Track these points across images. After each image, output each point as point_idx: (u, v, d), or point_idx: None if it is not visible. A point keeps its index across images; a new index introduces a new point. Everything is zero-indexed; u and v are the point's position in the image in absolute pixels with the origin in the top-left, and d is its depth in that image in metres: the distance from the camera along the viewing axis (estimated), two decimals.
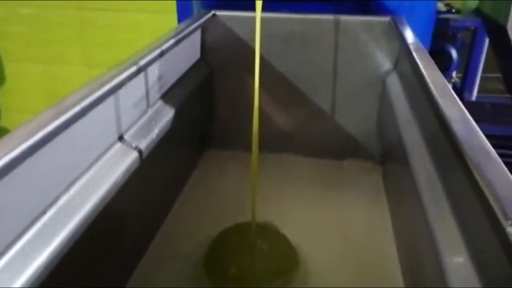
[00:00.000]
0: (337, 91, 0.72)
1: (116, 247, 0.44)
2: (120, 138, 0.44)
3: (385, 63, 0.68)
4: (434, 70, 0.48)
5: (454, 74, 2.21)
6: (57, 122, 0.33)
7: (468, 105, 0.45)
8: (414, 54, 0.52)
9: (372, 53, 0.68)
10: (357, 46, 0.68)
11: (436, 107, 0.38)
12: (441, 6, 1.98)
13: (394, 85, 0.65)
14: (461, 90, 2.01)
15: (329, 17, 0.68)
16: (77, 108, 0.35)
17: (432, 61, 0.52)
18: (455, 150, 0.31)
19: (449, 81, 2.17)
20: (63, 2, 1.51)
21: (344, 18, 0.67)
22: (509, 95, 1.00)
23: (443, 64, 1.78)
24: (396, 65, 0.67)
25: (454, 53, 1.77)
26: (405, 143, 0.50)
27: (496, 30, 0.96)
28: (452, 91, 0.42)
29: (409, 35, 0.59)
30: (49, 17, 1.54)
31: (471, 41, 1.90)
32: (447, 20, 1.75)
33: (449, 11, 1.90)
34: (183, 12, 1.39)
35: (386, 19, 0.66)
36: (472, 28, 1.84)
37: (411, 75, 0.53)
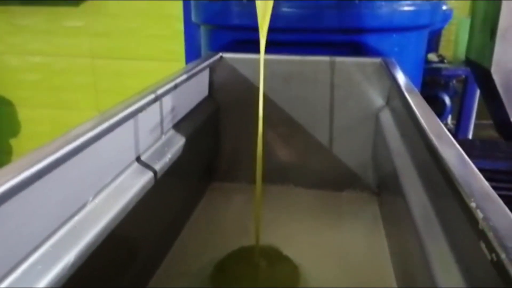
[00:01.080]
0: (334, 125, 0.77)
1: (128, 265, 0.47)
2: (138, 158, 0.49)
3: (378, 100, 0.74)
4: (423, 104, 0.52)
5: (449, 120, 2.29)
6: (83, 139, 0.36)
7: (458, 142, 0.48)
8: (404, 90, 0.57)
9: (365, 91, 0.74)
10: (351, 84, 0.74)
11: (426, 139, 0.41)
12: (433, 57, 2.09)
13: (387, 120, 0.70)
14: (455, 136, 2.08)
15: (325, 58, 0.74)
16: (102, 127, 0.40)
17: (420, 96, 0.56)
18: (446, 179, 0.33)
19: (444, 126, 2.24)
20: (77, 51, 1.62)
21: (339, 59, 0.74)
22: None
23: (437, 110, 1.85)
24: (388, 102, 0.73)
25: (447, 99, 1.85)
26: (398, 174, 0.53)
27: (482, 74, 1.03)
28: (440, 123, 0.45)
29: (399, 74, 0.65)
30: (63, 65, 1.64)
31: (463, 89, 1.99)
32: (439, 69, 1.84)
33: (441, 61, 2.00)
34: (191, 60, 1.48)
35: (377, 60, 0.73)
36: (463, 76, 1.94)
37: (402, 110, 0.58)
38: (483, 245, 0.24)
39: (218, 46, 0.89)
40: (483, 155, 0.90)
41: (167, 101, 0.55)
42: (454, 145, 0.38)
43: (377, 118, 0.74)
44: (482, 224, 0.25)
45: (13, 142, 1.77)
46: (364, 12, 0.78)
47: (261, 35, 0.53)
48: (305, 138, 0.79)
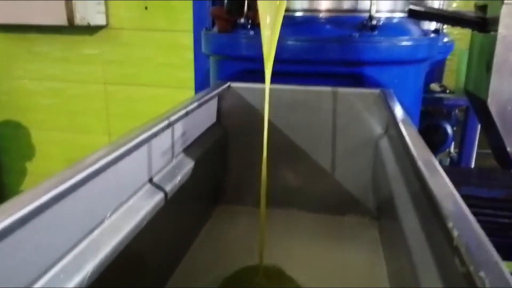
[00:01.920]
0: (336, 151, 0.81)
1: (139, 279, 0.50)
2: (150, 180, 0.53)
3: (377, 128, 0.78)
4: (415, 134, 0.55)
5: (452, 148, 2.31)
6: (102, 162, 0.40)
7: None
8: (399, 121, 0.61)
9: (365, 120, 0.78)
10: (352, 113, 0.78)
11: (415, 167, 0.44)
12: (435, 87, 2.14)
13: (385, 147, 0.74)
14: (458, 164, 2.10)
15: (328, 89, 0.79)
16: (120, 151, 0.44)
17: (414, 127, 0.60)
18: (430, 203, 0.37)
19: (447, 155, 2.26)
20: (91, 78, 1.68)
21: (340, 90, 0.78)
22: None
23: (440, 139, 1.88)
24: (386, 130, 0.77)
25: (449, 129, 1.88)
26: (394, 199, 0.56)
27: (479, 105, 1.07)
28: (430, 152, 0.48)
29: (395, 105, 0.69)
30: (77, 90, 1.71)
31: (465, 118, 2.02)
32: (441, 99, 1.88)
33: (443, 91, 2.04)
34: (201, 88, 1.53)
35: (376, 91, 0.77)
36: (465, 106, 1.98)
37: (397, 139, 0.62)
38: (456, 260, 0.27)
39: (226, 75, 0.94)
40: (481, 183, 0.93)
41: (179, 127, 0.60)
42: (439, 172, 0.42)
43: (376, 146, 0.78)
44: (456, 241, 0.28)
45: (28, 163, 1.83)
46: (364, 46, 0.83)
47: (266, 68, 0.57)
48: (308, 163, 0.83)
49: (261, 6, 0.56)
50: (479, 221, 0.34)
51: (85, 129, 1.75)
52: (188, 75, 1.52)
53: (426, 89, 2.00)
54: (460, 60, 2.18)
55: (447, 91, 2.01)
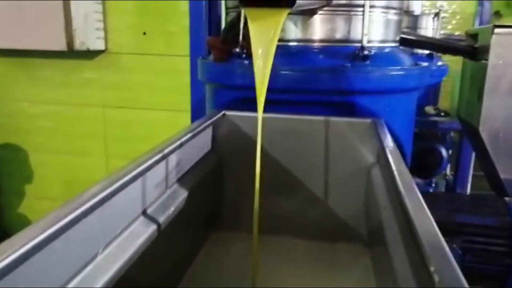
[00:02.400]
0: (329, 179, 0.82)
1: None
2: (144, 212, 0.54)
3: (369, 157, 0.79)
4: (403, 170, 0.56)
5: (448, 171, 2.32)
6: (97, 198, 0.42)
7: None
8: (387, 151, 0.63)
9: (357, 149, 0.79)
10: (344, 142, 0.80)
11: (400, 200, 0.47)
12: (430, 109, 2.16)
13: (377, 176, 0.75)
14: (454, 186, 2.11)
15: (320, 118, 0.80)
16: (114, 186, 0.45)
17: (402, 161, 0.61)
18: (416, 244, 0.38)
19: (443, 178, 2.28)
20: (89, 101, 1.70)
21: (333, 119, 0.80)
22: None
23: (435, 162, 1.90)
24: (378, 159, 0.78)
25: (444, 152, 1.89)
26: (385, 229, 0.57)
27: (472, 132, 1.09)
28: (415, 187, 0.50)
29: (385, 136, 0.71)
30: (76, 113, 1.73)
31: (459, 141, 2.04)
32: (436, 122, 1.91)
33: (437, 114, 2.06)
34: (197, 110, 1.55)
35: (367, 120, 0.78)
36: (460, 129, 2.00)
37: (385, 169, 0.63)
38: None
39: (222, 103, 0.96)
40: (475, 210, 0.93)
41: (173, 159, 0.61)
42: (422, 206, 0.44)
43: (368, 174, 0.79)
44: (437, 285, 0.29)
45: (26, 186, 1.84)
46: (356, 76, 0.85)
47: (258, 101, 0.59)
48: (301, 191, 0.84)
49: (254, 39, 0.58)
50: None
51: (83, 152, 1.76)
52: (185, 98, 1.54)
53: (421, 112, 2.02)
54: (454, 83, 2.22)
55: (442, 113, 2.04)
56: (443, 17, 1.97)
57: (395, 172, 0.55)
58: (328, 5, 0.85)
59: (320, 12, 0.86)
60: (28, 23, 1.46)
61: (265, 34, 0.55)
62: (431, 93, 2.23)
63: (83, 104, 1.72)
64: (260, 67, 0.55)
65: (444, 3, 2.94)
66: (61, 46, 1.44)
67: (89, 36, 1.54)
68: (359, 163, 0.80)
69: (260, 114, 0.58)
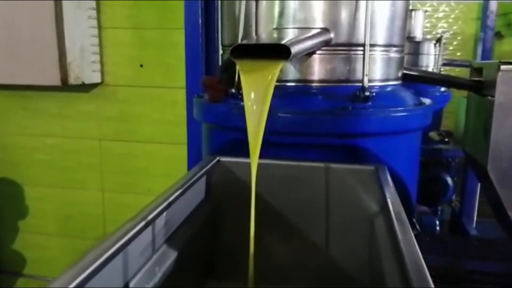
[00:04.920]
0: (330, 228, 0.77)
1: None
2: (126, 285, 0.49)
3: (372, 206, 0.75)
4: (403, 218, 0.55)
5: (453, 197, 2.26)
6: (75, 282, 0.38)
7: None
8: (388, 201, 0.60)
9: (360, 197, 0.75)
10: (346, 189, 0.75)
11: (398, 253, 0.46)
12: (434, 135, 2.12)
13: (380, 226, 0.70)
14: (460, 214, 2.06)
15: (320, 164, 0.76)
16: (92, 267, 0.41)
17: (403, 212, 0.58)
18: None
19: (449, 205, 2.22)
20: (85, 134, 1.68)
21: (333, 165, 0.76)
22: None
23: (440, 191, 1.85)
24: (382, 209, 0.74)
25: (449, 180, 1.84)
26: (387, 282, 0.53)
27: (479, 170, 1.04)
28: (413, 238, 0.49)
29: (388, 186, 0.67)
30: (72, 146, 1.70)
31: (465, 168, 1.99)
32: (441, 150, 1.86)
33: (442, 140, 2.02)
34: (193, 144, 1.52)
35: (371, 167, 0.74)
36: (463, 156, 1.95)
37: (389, 221, 0.59)
38: None
39: (218, 144, 0.92)
40: (483, 256, 0.88)
41: (160, 221, 0.57)
42: (421, 264, 0.43)
43: (371, 223, 0.74)
44: None
45: (21, 221, 1.80)
46: (357, 118, 0.81)
47: (252, 161, 0.55)
48: (301, 239, 0.79)
49: (246, 93, 0.54)
50: None
51: (79, 185, 1.72)
52: (183, 131, 1.51)
53: (425, 138, 1.98)
54: (459, 108, 2.19)
55: (446, 139, 2.00)
56: (444, 43, 1.94)
57: (395, 225, 0.53)
58: (327, 44, 0.82)
59: (319, 51, 0.83)
60: (22, 58, 1.44)
61: (258, 88, 0.51)
62: (434, 119, 2.19)
63: (79, 137, 1.69)
64: (253, 124, 0.51)
65: (445, 25, 2.93)
66: (55, 81, 1.42)
67: (85, 69, 1.52)
68: (362, 212, 0.75)
69: (253, 177, 0.54)
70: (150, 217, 0.52)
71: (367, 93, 0.82)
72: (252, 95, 0.52)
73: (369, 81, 0.83)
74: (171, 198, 0.58)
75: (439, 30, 2.86)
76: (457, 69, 2.37)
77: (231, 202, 0.80)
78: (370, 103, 0.82)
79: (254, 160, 0.54)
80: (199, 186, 0.75)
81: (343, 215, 0.76)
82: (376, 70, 0.88)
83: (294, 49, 0.57)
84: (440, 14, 2.93)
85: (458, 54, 2.86)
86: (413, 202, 0.94)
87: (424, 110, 0.88)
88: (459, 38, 2.94)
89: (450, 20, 2.94)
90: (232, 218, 0.80)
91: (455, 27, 2.96)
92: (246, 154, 0.77)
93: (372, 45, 0.83)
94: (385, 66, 0.89)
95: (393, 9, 0.88)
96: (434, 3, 2.88)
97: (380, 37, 0.87)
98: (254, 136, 0.52)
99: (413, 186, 0.93)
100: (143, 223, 0.50)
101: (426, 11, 2.28)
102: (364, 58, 0.82)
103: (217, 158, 0.80)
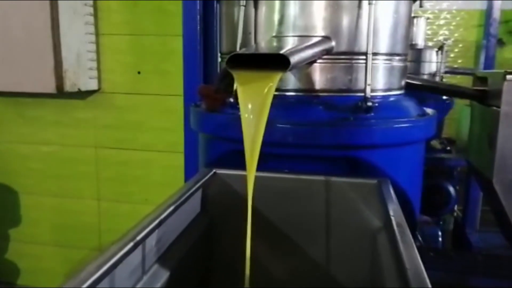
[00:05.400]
0: (330, 244, 0.74)
1: None
2: None
3: (375, 221, 0.71)
4: (406, 234, 0.52)
5: (455, 206, 2.23)
6: None
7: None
8: (392, 217, 0.58)
9: (362, 211, 0.72)
10: (347, 204, 0.72)
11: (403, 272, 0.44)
12: (436, 144, 2.09)
13: (383, 242, 0.67)
14: (463, 224, 2.02)
15: (320, 177, 0.73)
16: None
17: (405, 225, 0.56)
18: None
19: (451, 215, 2.18)
20: (81, 141, 1.65)
21: (334, 179, 0.73)
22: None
23: (442, 200, 1.81)
24: (385, 225, 0.70)
25: (451, 190, 1.81)
26: None
27: (484, 182, 1.01)
28: (420, 262, 0.47)
29: (391, 201, 0.64)
30: (67, 154, 1.67)
31: (467, 178, 1.96)
32: (443, 159, 1.83)
33: (444, 149, 1.99)
34: (190, 151, 1.49)
35: (373, 181, 0.71)
36: (467, 166, 1.92)
37: (392, 237, 0.57)
38: None
39: (215, 154, 0.90)
40: (489, 272, 0.85)
41: (151, 241, 0.54)
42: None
43: (374, 239, 0.71)
44: None
45: (13, 230, 1.76)
46: (359, 129, 0.78)
47: (248, 177, 0.52)
48: (300, 257, 0.76)
49: (242, 105, 0.52)
50: None
51: (74, 194, 1.69)
52: (179, 139, 1.48)
53: (427, 147, 1.95)
54: (461, 116, 2.16)
55: (448, 147, 1.97)
56: (446, 50, 1.92)
57: (399, 241, 0.51)
58: (328, 53, 0.79)
59: (319, 60, 0.80)
60: (16, 65, 1.42)
61: (255, 101, 0.49)
62: (436, 128, 2.17)
63: (75, 145, 1.67)
64: (249, 140, 0.48)
65: (447, 32, 2.91)
66: (51, 88, 1.39)
67: (81, 77, 1.49)
68: (364, 227, 0.72)
69: (250, 193, 0.51)
70: (139, 237, 0.49)
71: (370, 104, 0.79)
72: (249, 108, 0.50)
73: (372, 90, 0.81)
74: (163, 216, 0.56)
75: (441, 37, 2.84)
76: (458, 76, 2.35)
77: (228, 216, 0.77)
78: (372, 114, 0.80)
79: (251, 176, 0.51)
80: (195, 200, 0.72)
81: (344, 231, 0.73)
82: (379, 79, 0.85)
83: (294, 59, 0.54)
84: (442, 21, 2.92)
85: (459, 61, 2.85)
86: (416, 215, 0.91)
87: (428, 121, 0.86)
88: (460, 45, 2.93)
89: (451, 27, 2.92)
90: (228, 233, 0.77)
91: (456, 34, 2.95)
92: (245, 165, 0.75)
93: (374, 54, 0.80)
94: (388, 75, 0.86)
95: (396, 16, 0.85)
96: (436, 9, 2.86)
97: (383, 46, 0.84)
98: (250, 153, 0.49)
99: (416, 199, 0.90)
100: (131, 244, 0.47)
101: (428, 18, 2.26)
102: (366, 67, 0.79)
103: (214, 170, 0.77)
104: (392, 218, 0.59)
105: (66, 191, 1.70)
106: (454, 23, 2.84)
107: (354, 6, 0.80)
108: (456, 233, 2.06)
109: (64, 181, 1.70)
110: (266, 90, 0.49)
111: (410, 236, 0.53)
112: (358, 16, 0.80)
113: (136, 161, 1.62)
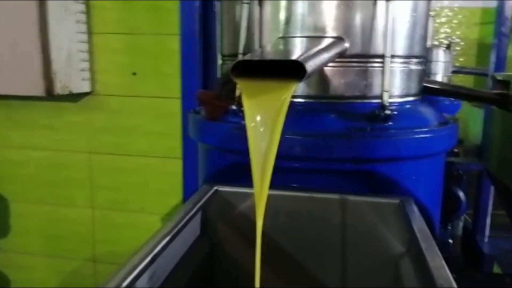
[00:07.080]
0: (347, 271, 0.67)
1: None
2: None
3: (397, 245, 0.64)
4: (437, 257, 0.47)
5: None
6: None
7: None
8: (419, 239, 0.52)
9: (382, 234, 0.65)
10: (365, 225, 0.65)
11: None
12: None
13: (407, 268, 0.60)
14: (473, 229, 1.96)
15: (336, 196, 0.66)
16: None
17: (435, 247, 0.50)
18: None
19: (460, 219, 2.12)
20: (74, 146, 1.57)
21: (351, 197, 0.65)
22: None
23: (453, 206, 1.75)
24: (409, 249, 0.63)
25: (462, 195, 1.74)
26: None
27: (505, 192, 0.94)
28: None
29: (416, 220, 0.57)
30: (60, 160, 1.59)
31: (478, 183, 1.90)
32: (453, 163, 1.76)
33: (452, 152, 1.92)
34: (189, 157, 1.42)
35: (395, 201, 0.64)
36: (477, 171, 1.86)
37: (419, 262, 0.51)
38: None
39: (216, 166, 0.82)
40: None
41: (144, 279, 0.46)
42: None
43: (396, 265, 0.64)
44: None
45: (2, 240, 1.69)
46: (376, 141, 0.71)
47: (257, 201, 0.44)
48: (312, 282, 0.69)
49: (249, 123, 0.44)
50: None
51: (66, 202, 1.61)
52: (177, 144, 1.40)
53: None
54: (469, 117, 2.11)
55: (456, 149, 1.91)
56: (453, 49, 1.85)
57: (430, 264, 0.45)
58: (341, 56, 0.72)
59: (331, 64, 0.72)
60: (4, 67, 1.33)
61: (266, 117, 0.41)
62: None
63: (68, 150, 1.59)
64: (259, 162, 0.40)
65: (448, 30, 2.85)
66: (39, 91, 1.31)
67: (73, 78, 1.41)
68: (385, 252, 0.65)
69: (259, 222, 0.43)
70: (131, 277, 0.41)
71: (388, 112, 0.71)
72: (257, 126, 0.42)
73: (389, 97, 0.73)
74: (156, 250, 0.48)
75: (442, 35, 2.78)
76: (460, 75, 2.30)
77: (231, 239, 0.69)
78: (391, 123, 0.72)
79: (261, 204, 0.43)
80: (194, 223, 0.65)
81: (362, 257, 0.66)
82: (396, 84, 0.78)
83: (310, 66, 0.46)
84: (443, 19, 2.86)
85: (461, 59, 2.79)
86: (436, 233, 0.84)
87: (451, 129, 0.78)
88: (462, 43, 2.87)
89: (453, 25, 2.86)
90: (232, 258, 0.69)
91: (458, 32, 2.89)
92: (249, 179, 0.67)
93: (392, 57, 0.73)
94: (406, 80, 0.79)
95: (415, 15, 0.78)
96: (437, 7, 2.79)
97: (400, 47, 0.77)
98: (259, 192, 0.41)
99: (436, 218, 0.83)
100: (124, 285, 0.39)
101: (433, 16, 2.20)
102: (383, 71, 0.72)
103: (215, 188, 0.69)
104: (420, 241, 0.52)
105: (58, 199, 1.62)
106: (455, 21, 2.77)
107: (369, 3, 0.72)
108: (466, 238, 1.99)
109: (56, 188, 1.62)
110: (279, 104, 0.41)
111: (443, 262, 0.47)
112: (374, 15, 0.73)
113: (132, 167, 1.54)
